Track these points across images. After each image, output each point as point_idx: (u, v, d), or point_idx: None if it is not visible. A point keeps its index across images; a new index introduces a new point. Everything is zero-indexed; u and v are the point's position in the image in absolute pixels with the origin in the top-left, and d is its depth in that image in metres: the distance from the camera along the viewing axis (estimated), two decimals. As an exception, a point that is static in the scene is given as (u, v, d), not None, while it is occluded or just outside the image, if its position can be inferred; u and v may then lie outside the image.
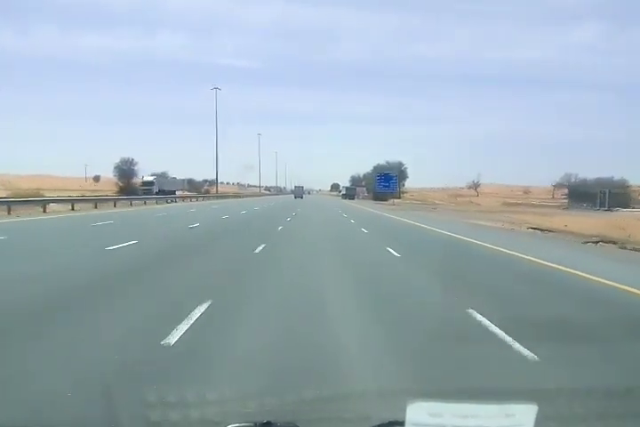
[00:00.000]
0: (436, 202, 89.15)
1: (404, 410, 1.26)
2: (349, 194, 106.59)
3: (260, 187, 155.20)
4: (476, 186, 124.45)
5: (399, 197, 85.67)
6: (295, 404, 3.28)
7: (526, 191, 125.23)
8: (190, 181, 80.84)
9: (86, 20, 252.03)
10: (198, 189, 79.72)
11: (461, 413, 1.25)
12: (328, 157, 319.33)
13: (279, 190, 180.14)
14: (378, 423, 1.40)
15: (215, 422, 2.83)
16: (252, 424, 1.34)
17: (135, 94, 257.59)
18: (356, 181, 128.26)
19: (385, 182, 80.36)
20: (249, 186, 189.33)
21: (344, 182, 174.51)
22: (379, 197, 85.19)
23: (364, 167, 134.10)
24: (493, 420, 1.22)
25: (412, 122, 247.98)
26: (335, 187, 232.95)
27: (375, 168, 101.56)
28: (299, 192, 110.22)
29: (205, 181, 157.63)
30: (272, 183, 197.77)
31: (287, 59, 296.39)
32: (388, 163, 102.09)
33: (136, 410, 3.24)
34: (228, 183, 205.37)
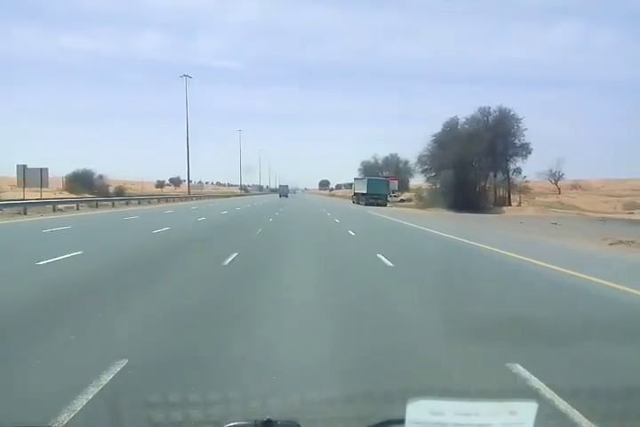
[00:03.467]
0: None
1: (404, 408, 1.25)
2: (378, 194, 54.71)
3: (202, 184, 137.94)
4: (557, 179, 74.82)
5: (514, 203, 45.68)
6: (297, 403, 3.27)
7: (575, 186, 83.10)
8: (78, 176, 54.40)
9: (63, 20, 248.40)
10: (100, 189, 52.83)
11: (463, 410, 1.24)
12: (314, 156, 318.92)
13: (259, 189, 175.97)
14: (378, 422, 1.39)
15: (216, 422, 2.80)
16: (252, 423, 1.32)
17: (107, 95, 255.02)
18: (370, 170, 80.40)
19: None
20: (229, 185, 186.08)
21: (335, 180, 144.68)
22: (466, 202, 40.87)
23: (360, 161, 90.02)
24: (495, 417, 1.22)
25: (405, 120, 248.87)
26: (324, 184, 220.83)
27: (450, 124, 49.30)
28: (284, 191, 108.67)
29: (179, 179, 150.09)
30: (255, 182, 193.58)
31: (270, 58, 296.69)
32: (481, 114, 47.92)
33: (138, 410, 3.23)
34: (207, 183, 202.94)
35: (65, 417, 3.23)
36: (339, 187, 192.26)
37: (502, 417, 1.22)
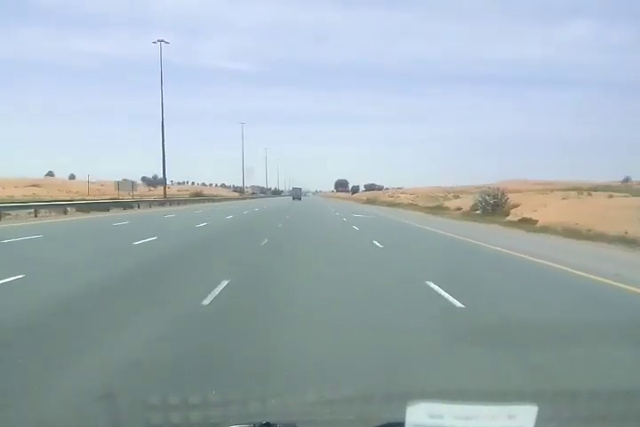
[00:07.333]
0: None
1: (404, 411, 1.25)
2: None
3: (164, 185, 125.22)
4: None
5: None
6: (296, 405, 3.28)
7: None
8: None
9: (73, 22, 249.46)
10: None
11: (462, 414, 1.24)
12: (324, 157, 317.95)
13: (262, 191, 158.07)
14: (377, 424, 1.39)
15: (215, 424, 2.82)
16: (251, 425, 1.32)
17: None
18: None
19: None
20: (234, 187, 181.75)
21: (354, 181, 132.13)
22: None
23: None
24: (494, 421, 1.22)
25: (412, 121, 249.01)
26: (342, 184, 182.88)
27: None
28: (297, 194, 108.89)
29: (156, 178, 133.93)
30: (260, 183, 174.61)
31: (276, 59, 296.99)
32: None
33: (136, 412, 3.24)
34: (209, 184, 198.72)
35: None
36: (355, 189, 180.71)
37: (501, 421, 1.21)
